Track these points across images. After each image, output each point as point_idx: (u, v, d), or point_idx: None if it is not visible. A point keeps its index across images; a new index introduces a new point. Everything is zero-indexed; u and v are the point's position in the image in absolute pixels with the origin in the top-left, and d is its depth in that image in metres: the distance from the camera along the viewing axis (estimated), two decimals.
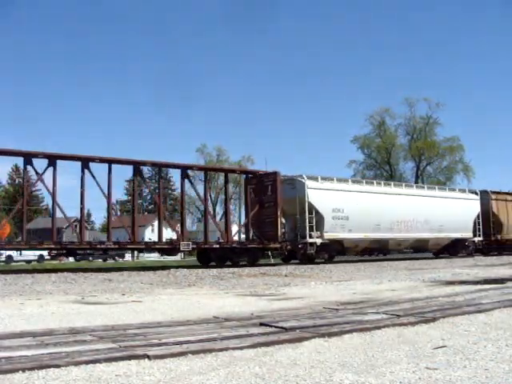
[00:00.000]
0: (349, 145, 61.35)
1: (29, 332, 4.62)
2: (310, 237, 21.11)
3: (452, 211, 26.79)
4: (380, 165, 54.36)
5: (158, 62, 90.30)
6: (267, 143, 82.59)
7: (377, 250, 29.01)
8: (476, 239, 28.23)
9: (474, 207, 28.44)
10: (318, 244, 21.35)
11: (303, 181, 21.54)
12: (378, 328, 4.85)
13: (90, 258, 37.06)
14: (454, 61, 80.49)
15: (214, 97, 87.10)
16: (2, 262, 32.93)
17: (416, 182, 43.50)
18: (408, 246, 27.96)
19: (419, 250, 29.29)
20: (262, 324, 5.02)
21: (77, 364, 3.43)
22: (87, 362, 3.47)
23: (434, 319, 5.35)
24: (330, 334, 4.51)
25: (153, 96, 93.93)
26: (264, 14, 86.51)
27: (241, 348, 3.96)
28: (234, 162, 52.47)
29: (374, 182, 26.18)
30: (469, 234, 27.93)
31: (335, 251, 23.28)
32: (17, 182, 75.56)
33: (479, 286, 9.34)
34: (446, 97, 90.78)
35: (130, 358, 3.61)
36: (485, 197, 29.59)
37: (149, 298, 8.12)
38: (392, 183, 27.37)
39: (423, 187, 27.96)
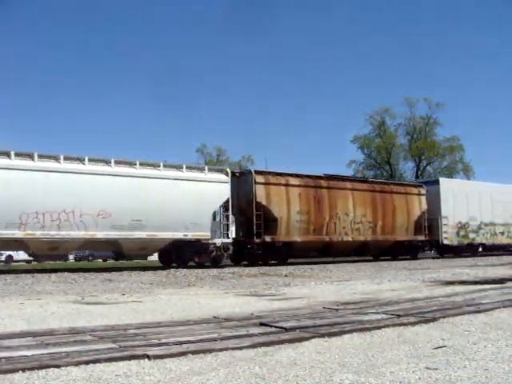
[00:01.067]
0: (349, 145, 61.29)
1: (29, 332, 4.63)
2: None
3: (165, 198, 17.29)
4: (380, 165, 54.32)
5: (157, 62, 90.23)
6: (267, 143, 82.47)
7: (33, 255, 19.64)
8: (219, 241, 18.48)
9: (216, 194, 18.37)
10: None
11: None
12: (378, 328, 4.86)
13: (90, 258, 36.87)
14: (454, 60, 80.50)
15: (213, 97, 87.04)
16: (2, 262, 32.94)
17: None
18: (75, 249, 19.37)
19: (120, 254, 20.03)
20: (262, 324, 5.03)
21: (77, 364, 3.44)
22: (87, 362, 3.47)
23: (433, 319, 5.35)
24: (330, 334, 4.51)
25: (152, 95, 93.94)
26: (264, 14, 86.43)
27: (241, 348, 3.97)
28: (234, 162, 52.49)
29: None
30: (205, 234, 18.07)
31: None
32: None
33: (479, 286, 9.34)
34: (446, 97, 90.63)
35: (129, 358, 3.62)
36: (247, 179, 19.96)
37: (149, 298, 8.12)
38: (36, 154, 15.80)
39: (109, 162, 16.89)
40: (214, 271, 15.69)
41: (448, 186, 27.00)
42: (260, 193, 19.74)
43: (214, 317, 5.66)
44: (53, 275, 13.80)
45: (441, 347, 4.09)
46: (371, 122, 53.40)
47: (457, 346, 4.11)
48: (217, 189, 18.49)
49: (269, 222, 19.79)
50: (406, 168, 54.55)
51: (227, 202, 18.75)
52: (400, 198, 24.33)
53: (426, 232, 25.13)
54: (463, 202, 26.86)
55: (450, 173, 51.55)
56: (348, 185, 22.96)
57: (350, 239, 22.39)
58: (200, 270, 16.04)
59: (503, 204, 29.07)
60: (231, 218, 19.08)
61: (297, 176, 21.70)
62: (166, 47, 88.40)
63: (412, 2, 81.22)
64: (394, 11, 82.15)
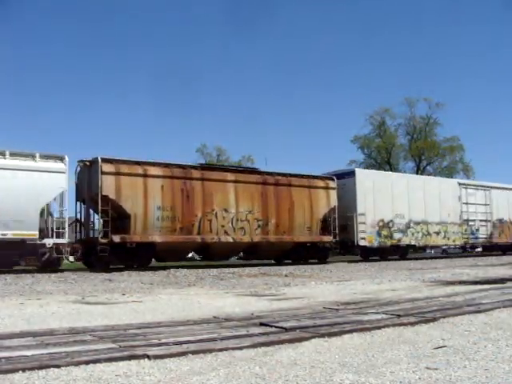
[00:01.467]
0: (349, 145, 61.42)
1: (29, 332, 4.63)
2: None
3: None
4: (380, 165, 54.29)
5: (157, 61, 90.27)
6: (267, 143, 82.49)
7: None
8: (50, 241, 15.33)
9: (48, 185, 15.36)
10: None
11: None
12: (378, 328, 4.86)
13: None
14: (454, 60, 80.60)
15: (214, 96, 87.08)
16: None
17: None
18: None
19: None
20: (262, 324, 5.02)
21: (77, 364, 3.44)
22: (87, 362, 3.47)
23: (434, 319, 5.35)
24: (330, 334, 4.51)
25: (152, 95, 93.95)
26: (263, 13, 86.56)
27: (241, 348, 3.97)
28: (234, 162, 52.50)
29: None
30: (31, 233, 14.98)
31: None
32: None
33: (479, 286, 9.34)
34: (446, 97, 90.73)
35: (130, 358, 3.62)
36: (96, 168, 16.55)
37: (149, 298, 8.12)
38: None
39: None
40: (214, 271, 15.69)
41: (367, 179, 23.17)
42: (108, 185, 16.46)
43: (214, 317, 5.66)
44: (53, 275, 13.80)
45: (441, 347, 4.09)
46: (371, 121, 53.46)
47: (457, 346, 4.11)
48: (49, 180, 15.38)
49: (123, 219, 16.81)
50: (407, 168, 54.60)
51: (63, 195, 15.85)
52: (301, 192, 20.69)
53: (336, 232, 21.49)
54: (387, 198, 23.24)
55: (450, 173, 51.63)
56: (230, 176, 19.32)
57: (230, 240, 18.84)
58: (200, 270, 16.04)
59: (440, 200, 25.41)
60: (67, 214, 16.13)
61: (162, 165, 18.19)
62: (167, 46, 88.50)
63: (412, 1, 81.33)
64: (394, 11, 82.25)
